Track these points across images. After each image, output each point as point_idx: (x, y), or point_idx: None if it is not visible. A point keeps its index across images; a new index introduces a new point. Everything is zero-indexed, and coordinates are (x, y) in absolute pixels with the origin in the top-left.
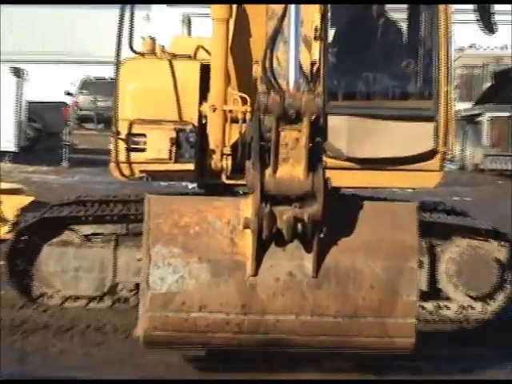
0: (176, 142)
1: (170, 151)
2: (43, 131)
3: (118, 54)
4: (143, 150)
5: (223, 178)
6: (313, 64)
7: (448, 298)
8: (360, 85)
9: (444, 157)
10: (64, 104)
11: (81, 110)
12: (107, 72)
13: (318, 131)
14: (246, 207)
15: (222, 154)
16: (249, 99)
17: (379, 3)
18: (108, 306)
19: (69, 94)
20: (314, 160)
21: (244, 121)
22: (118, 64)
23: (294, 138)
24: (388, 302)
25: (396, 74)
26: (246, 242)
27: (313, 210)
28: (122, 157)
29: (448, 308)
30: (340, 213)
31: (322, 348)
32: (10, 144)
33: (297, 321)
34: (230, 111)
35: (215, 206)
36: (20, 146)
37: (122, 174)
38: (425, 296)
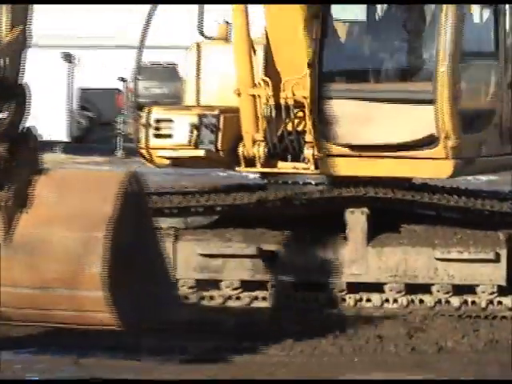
0: (198, 128)
1: (190, 137)
2: (96, 120)
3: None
4: (169, 136)
5: (258, 165)
6: None
7: None
8: (359, 67)
9: (449, 144)
10: (118, 91)
11: (138, 97)
12: (163, 57)
13: None
14: None
15: (254, 141)
16: (270, 82)
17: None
18: None
19: (123, 79)
20: None
21: (268, 105)
22: (142, 43)
23: None
24: (76, 275)
25: (397, 56)
26: None
27: None
28: (148, 143)
29: None
30: (45, 182)
31: (25, 321)
32: (61, 134)
33: None
34: (259, 96)
35: None
36: (72, 135)
37: (151, 161)
38: (504, 290)
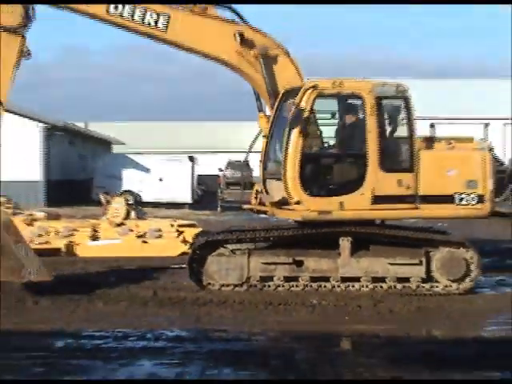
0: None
1: (256, 199)
2: (206, 191)
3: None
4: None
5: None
6: None
7: (437, 281)
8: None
9: (293, 202)
10: (218, 176)
11: (227, 179)
12: (242, 157)
13: None
14: None
15: None
16: None
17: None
18: (245, 289)
19: (221, 170)
20: None
21: None
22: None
23: None
24: None
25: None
26: None
27: None
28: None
29: (437, 286)
30: None
31: None
32: (188, 198)
33: None
34: None
35: None
36: (193, 199)
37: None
38: (424, 280)
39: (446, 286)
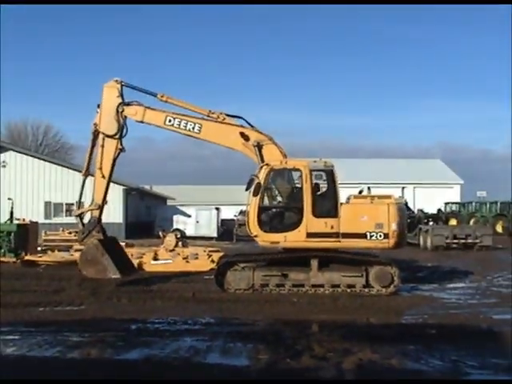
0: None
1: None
2: (226, 229)
3: None
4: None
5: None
6: None
7: (373, 287)
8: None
9: (253, 235)
10: (234, 219)
11: (239, 221)
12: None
13: None
14: None
15: None
16: None
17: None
18: (251, 292)
19: (235, 215)
20: None
21: None
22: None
23: None
24: None
25: None
26: None
27: None
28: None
29: (373, 290)
30: None
31: None
32: (214, 234)
33: None
34: None
35: None
36: (218, 234)
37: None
38: (364, 286)
39: (379, 290)
